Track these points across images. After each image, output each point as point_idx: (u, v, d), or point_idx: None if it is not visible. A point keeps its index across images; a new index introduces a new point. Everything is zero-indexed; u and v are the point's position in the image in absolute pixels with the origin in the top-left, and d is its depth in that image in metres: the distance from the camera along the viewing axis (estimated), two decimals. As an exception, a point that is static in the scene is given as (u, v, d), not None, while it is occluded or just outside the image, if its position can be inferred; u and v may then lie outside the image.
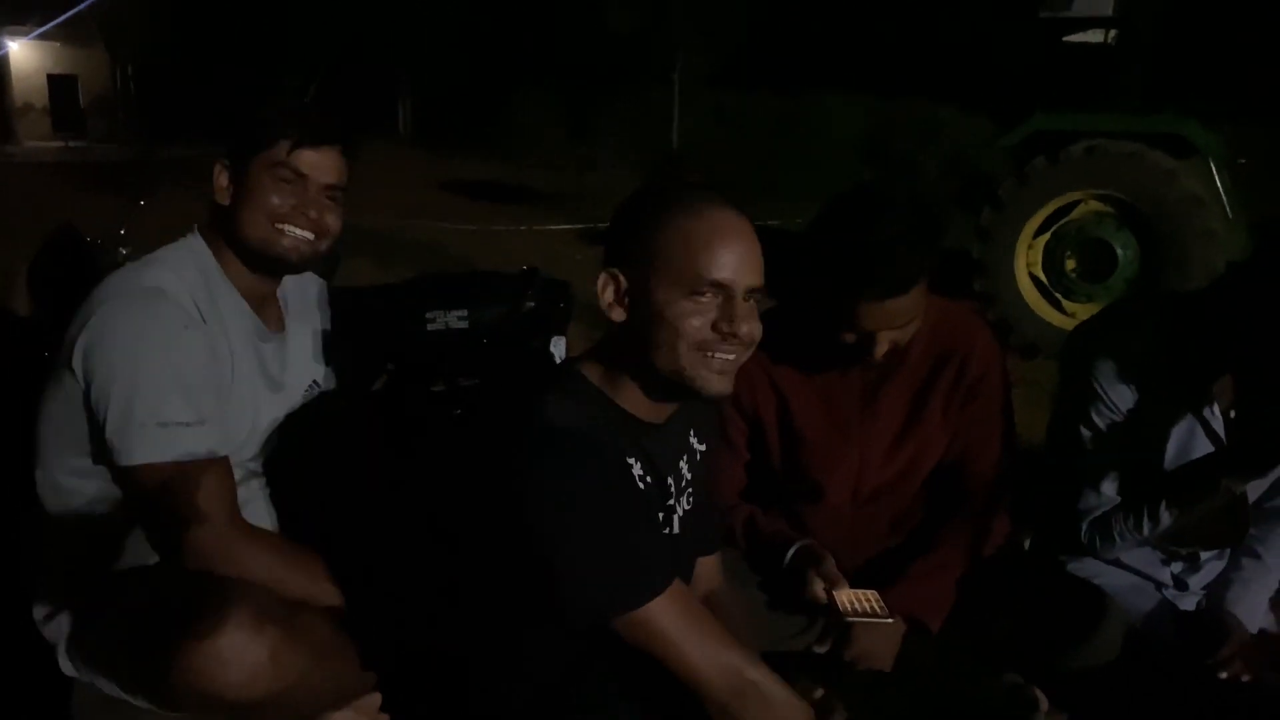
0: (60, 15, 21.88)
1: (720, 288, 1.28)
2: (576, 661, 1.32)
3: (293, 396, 1.76)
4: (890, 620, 1.74)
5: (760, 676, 1.30)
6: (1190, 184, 5.89)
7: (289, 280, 1.80)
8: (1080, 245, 6.21)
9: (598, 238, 8.58)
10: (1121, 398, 1.83)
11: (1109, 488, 1.86)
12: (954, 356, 1.83)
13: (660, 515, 1.40)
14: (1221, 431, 1.81)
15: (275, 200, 1.64)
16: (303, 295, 1.86)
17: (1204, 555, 1.93)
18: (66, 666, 1.59)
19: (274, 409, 1.72)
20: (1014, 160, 6.53)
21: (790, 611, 1.83)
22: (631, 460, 1.34)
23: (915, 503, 1.94)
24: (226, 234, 1.67)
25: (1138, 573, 1.93)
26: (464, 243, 9.67)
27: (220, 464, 1.55)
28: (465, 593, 1.39)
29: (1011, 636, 1.81)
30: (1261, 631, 1.86)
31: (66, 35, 25.68)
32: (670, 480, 1.41)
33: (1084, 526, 1.89)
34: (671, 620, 1.26)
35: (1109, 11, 6.56)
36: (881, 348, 1.68)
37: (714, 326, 1.29)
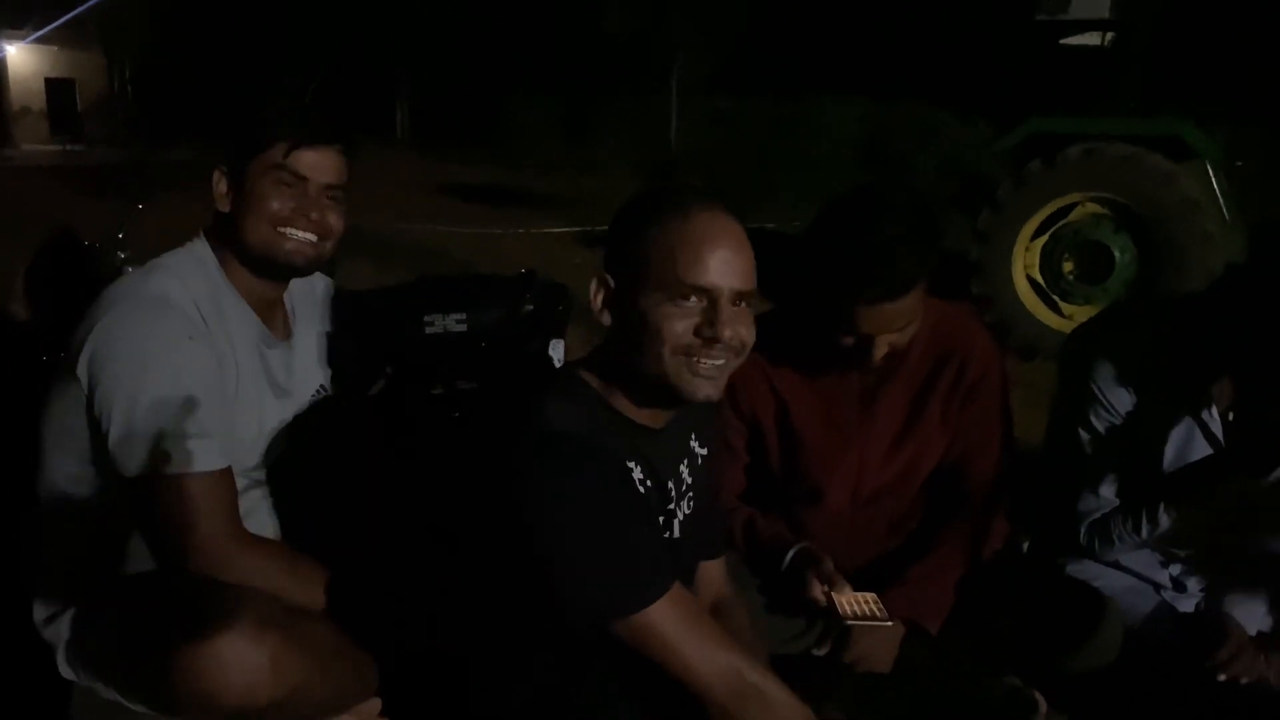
0: (58, 19, 21.88)
1: (704, 292, 1.27)
2: (576, 662, 1.32)
3: (299, 402, 1.75)
4: (889, 623, 1.74)
5: (761, 679, 1.29)
6: (1188, 186, 5.90)
7: (295, 283, 1.78)
8: (1078, 247, 6.21)
9: (596, 241, 8.59)
10: (1120, 400, 1.83)
11: (1108, 490, 1.87)
12: (953, 359, 1.83)
13: (660, 519, 1.40)
14: (1220, 433, 1.81)
15: (276, 204, 1.62)
16: (310, 296, 1.84)
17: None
18: (66, 670, 1.59)
19: (279, 415, 1.71)
20: (1011, 163, 6.54)
21: (789, 614, 1.83)
22: (632, 464, 1.34)
23: (914, 505, 1.94)
24: (230, 241, 1.65)
25: (1137, 575, 1.93)
26: (462, 246, 9.67)
27: (223, 475, 1.54)
28: (465, 594, 1.39)
29: (1011, 639, 1.81)
30: (1260, 633, 1.86)
31: (64, 39, 25.66)
32: (670, 484, 1.41)
33: (1083, 529, 1.89)
34: (672, 624, 1.26)
35: (1106, 14, 6.57)
36: (880, 350, 1.67)
37: (697, 331, 1.27)
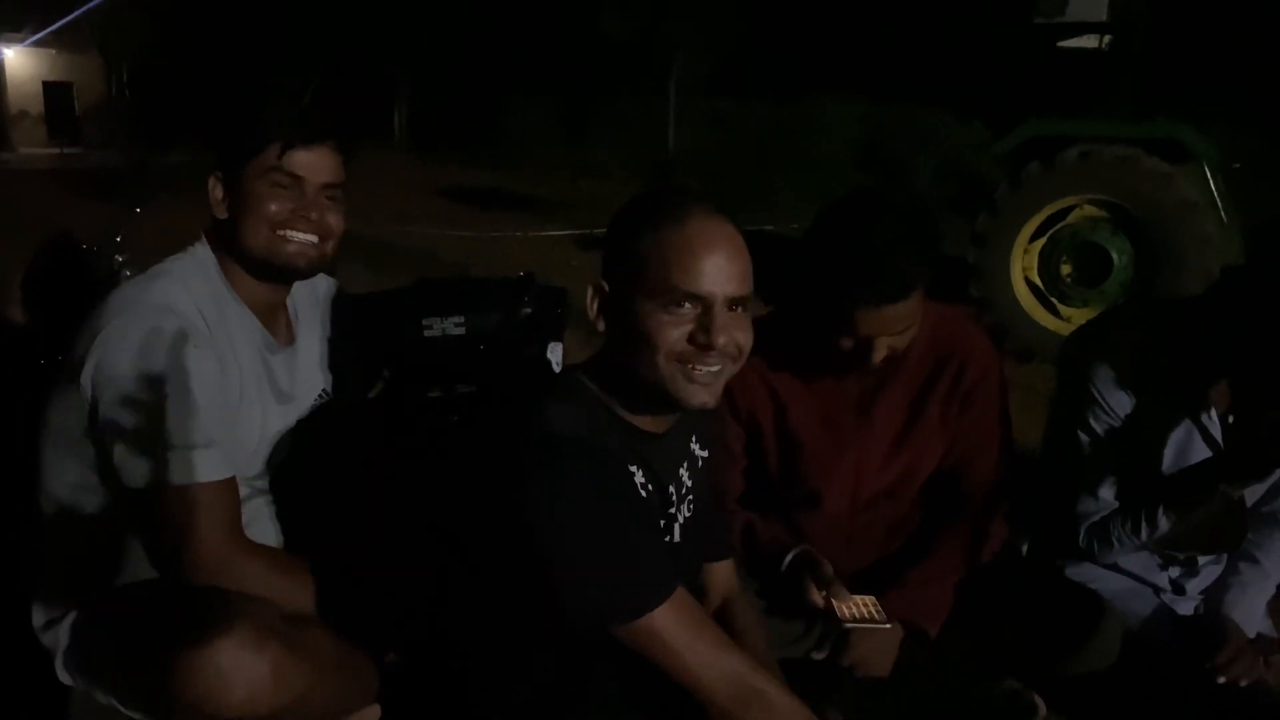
0: (55, 22, 21.88)
1: (697, 299, 1.25)
2: (577, 663, 1.31)
3: (302, 407, 1.75)
4: (888, 626, 1.74)
5: (763, 683, 1.29)
6: (1185, 189, 5.90)
7: (298, 285, 1.77)
8: (1075, 250, 6.21)
9: (594, 244, 8.59)
10: (1119, 403, 1.83)
11: (1107, 493, 1.86)
12: (951, 362, 1.83)
13: (662, 523, 1.40)
14: (1219, 436, 1.81)
15: (273, 206, 1.61)
16: (312, 297, 1.83)
17: (1201, 560, 1.93)
18: (64, 676, 1.58)
19: (282, 420, 1.70)
20: (1009, 165, 6.53)
21: (788, 618, 1.83)
22: (633, 468, 1.33)
23: (913, 508, 1.94)
24: (230, 246, 1.64)
25: (1136, 577, 1.94)
26: (460, 249, 9.66)
27: (226, 484, 1.53)
28: (465, 597, 1.39)
29: (1010, 642, 1.80)
30: (1259, 635, 1.86)
31: (61, 42, 25.67)
32: (671, 488, 1.41)
33: (1082, 531, 1.89)
34: (674, 628, 1.25)
35: (1103, 16, 6.56)
36: (879, 353, 1.67)
37: (691, 338, 1.26)
